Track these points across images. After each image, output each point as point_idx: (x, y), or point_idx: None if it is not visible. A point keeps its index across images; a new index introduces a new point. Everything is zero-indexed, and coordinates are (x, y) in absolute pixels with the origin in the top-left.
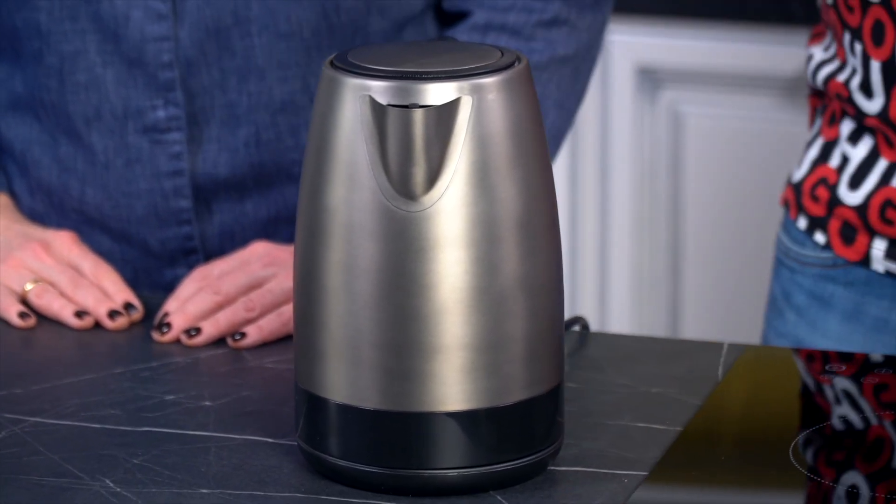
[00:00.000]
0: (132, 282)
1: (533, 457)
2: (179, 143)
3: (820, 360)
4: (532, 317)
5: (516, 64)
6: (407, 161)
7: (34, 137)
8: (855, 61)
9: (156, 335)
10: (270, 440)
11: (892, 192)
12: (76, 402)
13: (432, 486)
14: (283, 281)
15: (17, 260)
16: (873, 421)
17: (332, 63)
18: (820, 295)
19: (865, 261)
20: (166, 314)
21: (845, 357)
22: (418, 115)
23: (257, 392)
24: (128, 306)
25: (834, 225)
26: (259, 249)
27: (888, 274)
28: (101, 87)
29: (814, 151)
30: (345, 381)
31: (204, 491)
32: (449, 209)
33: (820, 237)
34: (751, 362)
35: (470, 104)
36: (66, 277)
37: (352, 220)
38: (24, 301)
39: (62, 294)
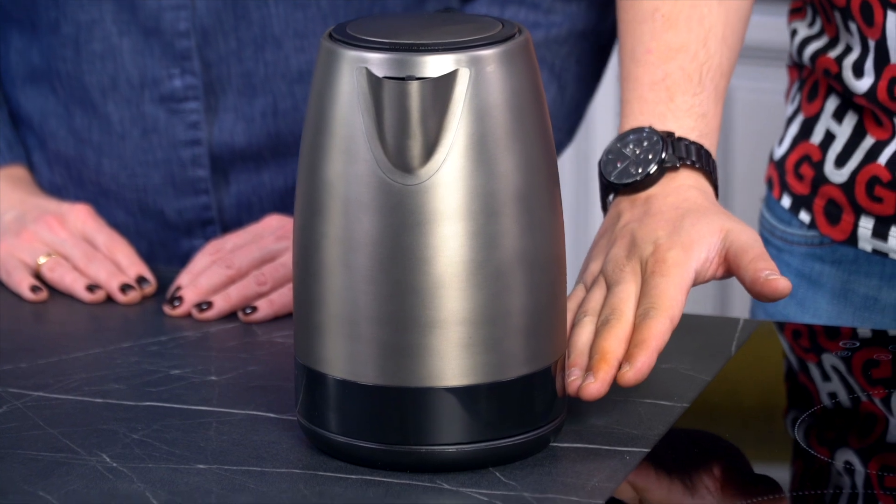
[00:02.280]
0: (148, 255)
1: (533, 433)
2: (196, 112)
3: (836, 336)
4: (532, 291)
5: (516, 36)
6: (403, 134)
7: (50, 109)
8: (852, 39)
9: (167, 309)
10: (272, 415)
11: (880, 170)
12: (81, 377)
13: (431, 462)
14: None
15: (31, 233)
16: (883, 399)
17: (330, 35)
18: (808, 274)
19: (852, 240)
20: (178, 288)
21: (861, 334)
22: (414, 87)
23: (264, 367)
24: (140, 280)
25: (819, 204)
26: (273, 223)
27: (875, 252)
28: (118, 57)
29: (794, 128)
30: (343, 356)
31: (200, 466)
32: (446, 182)
33: (805, 216)
34: (765, 338)
35: (468, 76)
36: (79, 251)
37: (349, 194)
38: (37, 275)
39: (75, 267)
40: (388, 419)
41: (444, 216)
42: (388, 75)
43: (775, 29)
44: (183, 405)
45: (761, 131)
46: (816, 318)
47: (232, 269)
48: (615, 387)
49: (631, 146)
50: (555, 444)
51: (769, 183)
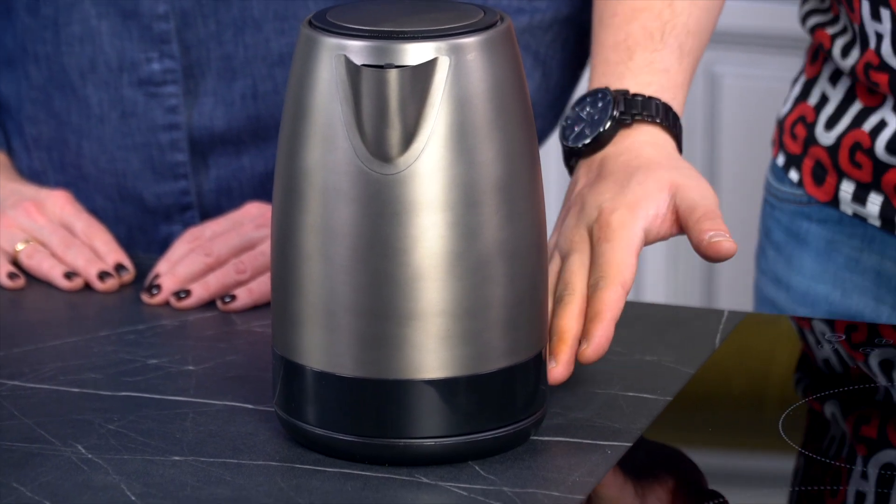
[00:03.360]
0: (126, 240)
1: (514, 426)
2: (175, 96)
3: (820, 328)
4: (512, 283)
5: (498, 24)
6: (382, 123)
7: (25, 93)
8: (847, 21)
9: (145, 297)
10: (250, 406)
11: (862, 136)
12: (57, 366)
13: (409, 455)
14: None
15: (9, 219)
16: (870, 393)
17: (309, 22)
18: (796, 232)
19: (834, 202)
20: (156, 276)
21: (847, 325)
22: (393, 75)
23: (242, 357)
24: (118, 267)
25: (807, 164)
26: (252, 210)
27: (856, 216)
28: (96, 39)
29: (797, 88)
30: (320, 347)
31: (176, 458)
32: (425, 172)
33: (794, 175)
34: (749, 330)
35: (447, 64)
36: (57, 237)
37: (327, 183)
38: (14, 262)
39: (53, 254)
40: (365, 412)
41: (423, 206)
42: (366, 63)
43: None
44: (159, 395)
45: (751, 118)
46: (801, 276)
47: (210, 257)
48: (597, 379)
49: (588, 109)
50: (535, 438)
51: (773, 142)
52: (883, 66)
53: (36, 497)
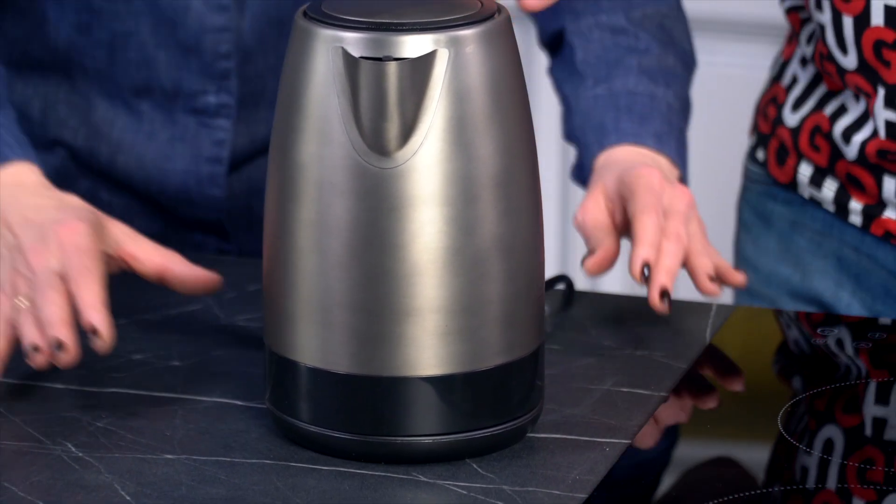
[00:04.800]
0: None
1: (510, 424)
2: (225, 130)
3: (810, 321)
4: (509, 279)
5: (496, 16)
6: (380, 116)
7: (62, 97)
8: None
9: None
10: (240, 403)
11: (822, 119)
12: None
13: (406, 453)
14: None
15: (11, 270)
16: (862, 386)
17: (304, 13)
18: (762, 212)
19: (793, 184)
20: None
21: (835, 319)
22: (392, 67)
23: (228, 352)
24: (93, 331)
25: (773, 144)
26: None
27: (812, 200)
28: (152, 66)
29: (775, 68)
30: (315, 343)
31: (168, 456)
32: (423, 166)
33: (761, 154)
34: (739, 324)
35: (446, 57)
36: (40, 295)
37: (323, 177)
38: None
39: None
40: (361, 409)
41: (421, 201)
42: (364, 55)
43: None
44: (147, 392)
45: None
46: (766, 257)
47: None
48: (590, 374)
49: None
50: (532, 435)
51: (751, 124)
52: (830, 57)
53: (29, 497)
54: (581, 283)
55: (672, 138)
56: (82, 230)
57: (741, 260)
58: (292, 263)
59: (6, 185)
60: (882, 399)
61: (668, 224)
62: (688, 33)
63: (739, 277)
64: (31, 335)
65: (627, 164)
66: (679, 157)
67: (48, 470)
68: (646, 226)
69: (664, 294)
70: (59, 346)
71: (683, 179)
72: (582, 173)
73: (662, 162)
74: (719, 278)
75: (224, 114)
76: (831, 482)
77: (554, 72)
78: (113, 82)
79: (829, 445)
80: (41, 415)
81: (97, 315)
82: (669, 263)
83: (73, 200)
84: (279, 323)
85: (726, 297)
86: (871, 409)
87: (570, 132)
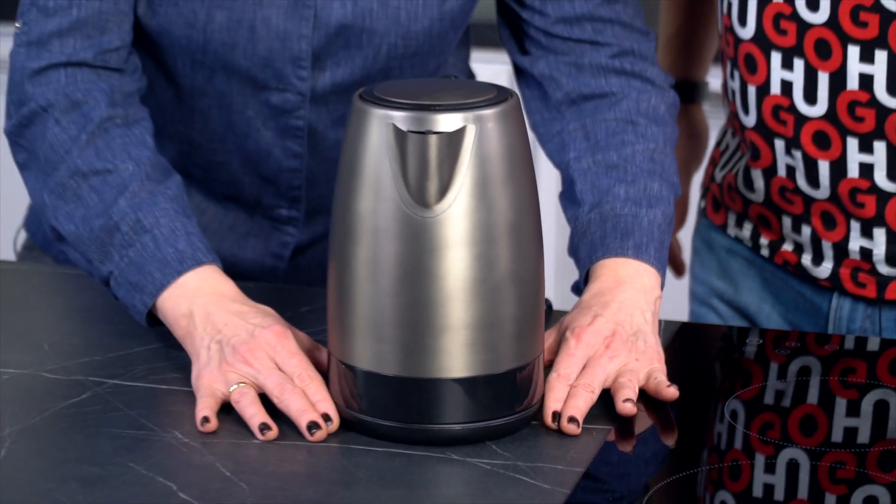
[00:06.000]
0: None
1: (520, 414)
2: (292, 235)
3: (743, 335)
4: (520, 303)
5: (509, 99)
6: (423, 177)
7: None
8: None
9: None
10: None
11: (731, 178)
12: (146, 367)
13: (441, 437)
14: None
15: (228, 365)
16: (787, 388)
17: (360, 96)
18: (707, 240)
19: (724, 227)
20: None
21: (763, 331)
22: (433, 139)
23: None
24: (325, 417)
25: (709, 195)
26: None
27: (737, 239)
28: (239, 187)
29: (718, 137)
30: (370, 352)
31: (256, 441)
32: (456, 216)
33: (702, 202)
34: (688, 338)
35: (474, 131)
36: (272, 382)
37: (377, 224)
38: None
39: (271, 395)
40: (406, 403)
41: (454, 243)
42: (411, 129)
43: None
44: None
45: None
46: (710, 275)
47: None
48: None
49: None
50: (535, 423)
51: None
52: (736, 115)
53: (149, 473)
54: (557, 304)
55: (651, 247)
56: (287, 334)
57: (692, 275)
58: (352, 291)
59: (209, 294)
60: (781, 375)
61: (583, 374)
62: (674, 166)
63: (672, 392)
64: (293, 411)
65: (585, 312)
66: (658, 262)
67: (161, 453)
68: (553, 386)
69: (572, 419)
70: (328, 418)
71: (662, 281)
72: (577, 288)
73: (643, 269)
74: (655, 390)
75: (293, 223)
76: (771, 459)
77: (561, 199)
78: (207, 188)
79: (766, 430)
80: (151, 409)
81: (328, 404)
82: (580, 405)
83: (267, 309)
84: (342, 337)
85: (681, 308)
86: (815, 417)
87: (570, 249)
